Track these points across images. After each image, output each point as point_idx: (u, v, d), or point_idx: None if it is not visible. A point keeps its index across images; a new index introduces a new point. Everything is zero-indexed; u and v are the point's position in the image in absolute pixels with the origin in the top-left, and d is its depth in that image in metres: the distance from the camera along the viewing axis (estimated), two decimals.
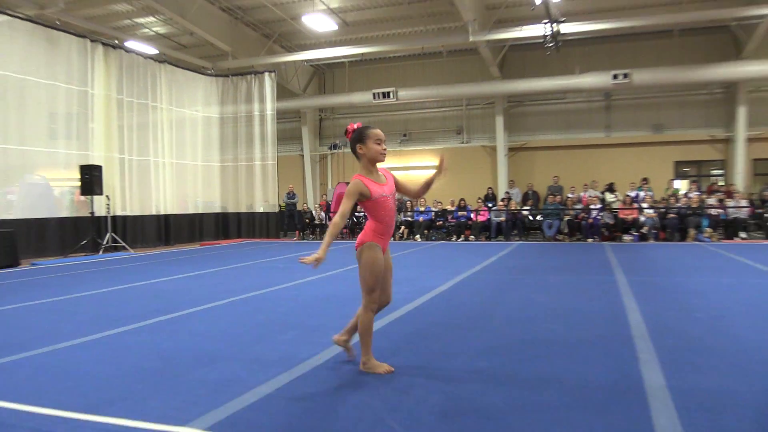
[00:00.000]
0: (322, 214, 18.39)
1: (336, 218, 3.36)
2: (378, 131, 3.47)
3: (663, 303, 5.75)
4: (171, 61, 17.20)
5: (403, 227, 16.87)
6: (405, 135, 20.88)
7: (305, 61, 20.10)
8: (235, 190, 18.57)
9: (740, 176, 17.27)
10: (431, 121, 20.98)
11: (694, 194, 15.59)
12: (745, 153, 17.36)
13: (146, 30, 18.84)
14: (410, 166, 21.07)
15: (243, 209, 18.48)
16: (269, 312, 5.67)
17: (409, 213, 17.32)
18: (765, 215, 15.01)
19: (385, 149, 3.48)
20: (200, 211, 17.90)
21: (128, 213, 15.13)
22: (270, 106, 18.26)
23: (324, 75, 22.36)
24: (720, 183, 17.36)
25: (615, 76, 16.59)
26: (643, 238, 14.54)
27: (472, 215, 16.56)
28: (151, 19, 17.89)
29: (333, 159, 22.64)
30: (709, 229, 14.61)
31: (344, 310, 5.52)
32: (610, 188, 16.71)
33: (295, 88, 20.92)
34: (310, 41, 19.28)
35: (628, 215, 15.19)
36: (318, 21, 17.09)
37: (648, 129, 18.68)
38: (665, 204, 15.54)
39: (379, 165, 3.55)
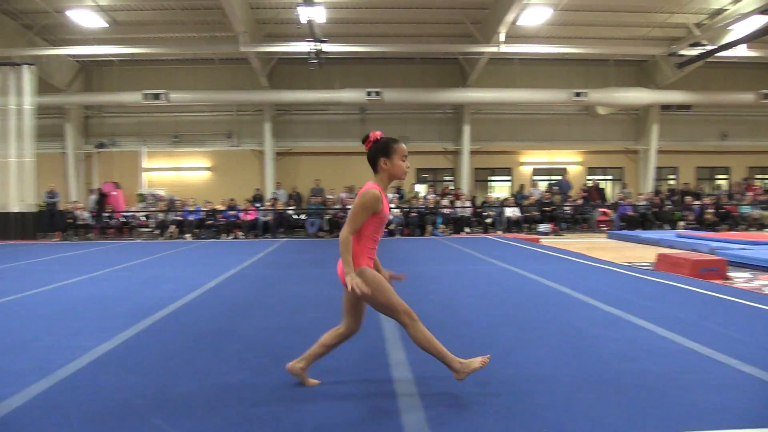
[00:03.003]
0: (85, 214, 16.58)
1: (346, 234, 2.78)
2: (404, 147, 2.95)
3: (406, 289, 6.19)
4: None
5: (173, 226, 16.00)
6: (176, 137, 19.79)
7: (70, 56, 18.05)
8: None
9: (465, 182, 19.38)
10: (202, 124, 20.16)
11: (431, 196, 17.18)
12: (468, 163, 19.53)
13: None
14: (181, 167, 20.06)
15: None
16: (25, 318, 4.97)
17: (179, 212, 16.48)
18: (483, 214, 16.99)
19: (408, 167, 2.99)
20: None
21: None
22: (28, 101, 16.02)
23: (92, 72, 20.22)
24: (450, 187, 19.28)
25: (369, 93, 17.59)
26: (391, 234, 15.59)
27: (241, 214, 16.30)
28: None
29: (99, 158, 20.58)
30: (442, 226, 16.17)
31: (108, 311, 5.09)
32: None
33: (59, 83, 18.64)
34: (76, 36, 17.29)
35: None
36: (84, 17, 15.44)
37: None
38: (409, 204, 16.86)
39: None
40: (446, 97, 18.75)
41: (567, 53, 17.84)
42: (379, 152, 2.91)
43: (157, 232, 16.25)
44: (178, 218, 16.30)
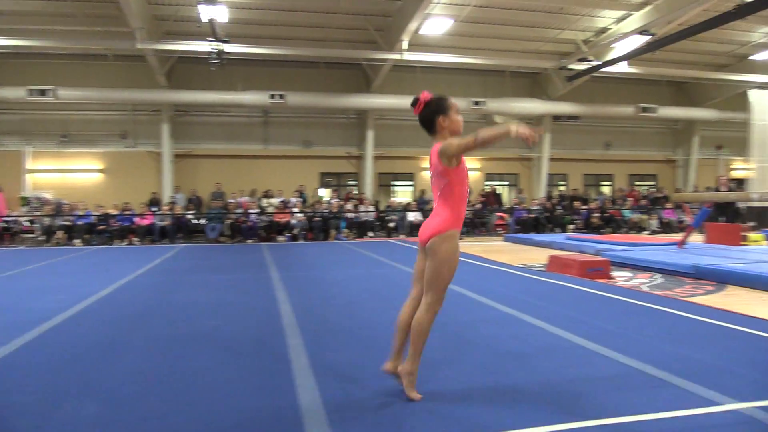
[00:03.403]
0: None
1: (479, 133, 2.68)
2: (455, 102, 2.89)
3: (309, 294, 6.18)
4: None
5: (61, 232, 14.97)
6: (64, 136, 18.51)
7: None
8: None
9: (369, 187, 19.54)
10: (94, 124, 18.99)
11: (334, 201, 17.19)
12: (372, 168, 19.71)
13: None
14: (69, 169, 18.79)
15: None
16: None
17: (67, 217, 15.45)
18: (386, 218, 17.21)
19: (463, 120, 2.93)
20: None
21: None
22: None
23: None
24: (354, 192, 19.36)
25: (272, 96, 17.33)
26: (294, 238, 15.44)
27: (136, 219, 15.54)
28: None
29: None
30: (346, 230, 16.21)
31: None
32: (267, 195, 17.35)
33: None
34: None
35: (282, 219, 15.98)
36: None
37: (299, 144, 19.87)
38: (312, 209, 16.78)
39: None
40: (350, 102, 18.84)
41: (467, 63, 18.46)
42: (435, 112, 2.91)
43: (43, 238, 15.16)
44: (67, 223, 15.28)
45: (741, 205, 13.78)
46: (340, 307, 5.34)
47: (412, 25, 14.84)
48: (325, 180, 20.70)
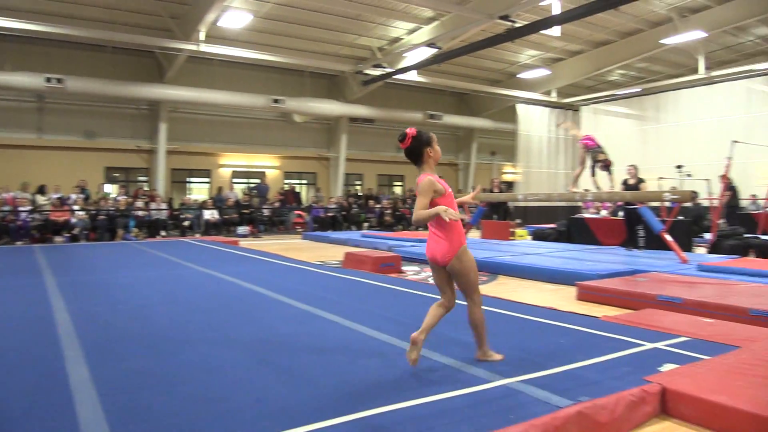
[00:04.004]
0: None
1: (417, 215, 3.17)
2: (433, 134, 3.39)
3: (91, 300, 5.64)
4: None
5: None
6: None
7: None
8: None
9: (161, 183, 18.40)
10: None
11: (122, 198, 15.84)
12: (165, 163, 18.58)
13: None
14: None
15: None
16: None
17: None
18: (180, 216, 16.38)
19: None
20: None
21: None
22: None
23: None
24: (145, 188, 18.09)
25: (49, 80, 15.32)
26: (74, 238, 13.96)
27: None
28: None
29: None
30: (135, 229, 15.08)
31: None
32: (41, 190, 15.37)
33: None
34: None
35: (60, 217, 14.34)
36: None
37: (80, 134, 17.98)
38: (96, 206, 15.30)
39: None
40: (141, 91, 17.45)
41: (266, 60, 18.26)
42: (424, 144, 3.31)
43: None
44: None
45: (510, 204, 15.56)
46: (129, 313, 4.95)
47: (210, 16, 14.31)
48: (111, 175, 19.04)
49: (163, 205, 16.53)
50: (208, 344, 3.85)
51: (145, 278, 7.20)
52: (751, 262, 7.71)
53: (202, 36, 15.39)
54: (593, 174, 10.01)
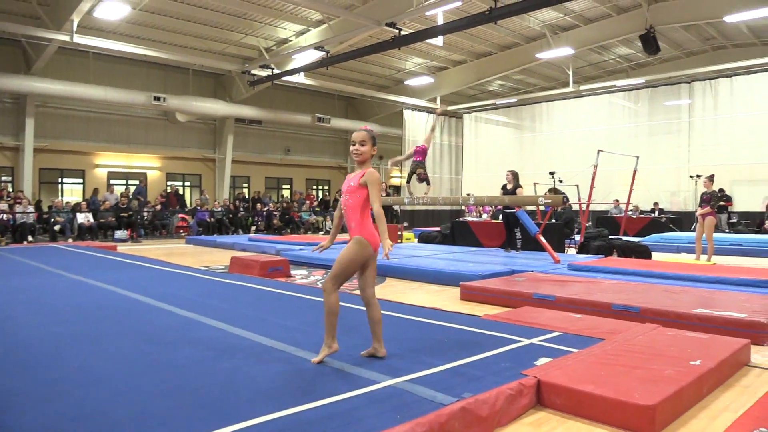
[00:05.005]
0: None
1: (380, 210, 3.38)
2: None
3: None
4: None
5: None
6: None
7: None
8: None
9: (28, 184, 16.95)
10: None
11: None
12: (32, 162, 17.13)
13: None
14: None
15: None
16: None
17: None
18: (50, 220, 15.18)
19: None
20: None
21: None
22: None
23: None
24: (10, 189, 16.57)
25: None
26: None
27: None
28: None
29: None
30: None
31: None
32: None
33: None
34: None
35: None
36: None
37: None
38: None
39: None
40: (3, 83, 15.95)
41: (146, 55, 17.35)
42: (374, 142, 3.65)
43: None
44: None
45: (396, 208, 15.88)
46: None
47: (84, 6, 13.43)
48: None
49: (30, 208, 15.22)
50: (81, 357, 3.59)
51: (8, 288, 6.58)
52: (614, 261, 8.43)
53: (74, 26, 14.37)
54: (408, 181, 10.67)
